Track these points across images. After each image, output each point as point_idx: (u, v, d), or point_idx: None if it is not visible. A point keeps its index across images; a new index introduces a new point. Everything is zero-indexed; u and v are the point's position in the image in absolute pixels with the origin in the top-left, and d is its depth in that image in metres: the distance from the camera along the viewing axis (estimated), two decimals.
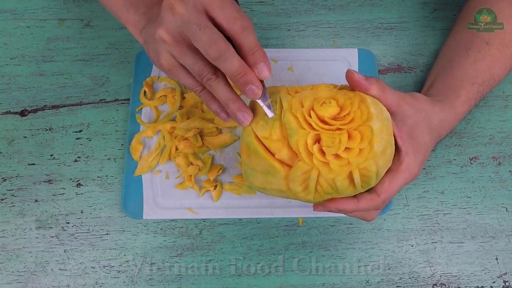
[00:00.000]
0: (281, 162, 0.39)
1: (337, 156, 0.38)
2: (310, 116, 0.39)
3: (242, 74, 0.37)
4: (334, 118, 0.39)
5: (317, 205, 0.42)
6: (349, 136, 0.38)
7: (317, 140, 0.38)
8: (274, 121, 0.40)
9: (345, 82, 0.42)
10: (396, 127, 0.42)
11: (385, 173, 0.41)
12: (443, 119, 0.47)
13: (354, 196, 0.41)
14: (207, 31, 0.36)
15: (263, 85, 0.39)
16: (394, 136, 0.41)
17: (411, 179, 0.42)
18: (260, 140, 0.40)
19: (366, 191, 0.41)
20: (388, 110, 0.42)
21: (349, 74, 0.41)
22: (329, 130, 0.38)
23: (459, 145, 0.55)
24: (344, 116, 0.39)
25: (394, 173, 0.41)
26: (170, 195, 0.51)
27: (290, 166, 0.39)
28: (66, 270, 0.49)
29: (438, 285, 0.49)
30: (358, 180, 0.38)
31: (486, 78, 0.50)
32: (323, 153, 0.38)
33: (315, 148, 0.38)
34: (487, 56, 0.50)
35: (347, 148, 0.38)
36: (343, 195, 0.40)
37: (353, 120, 0.39)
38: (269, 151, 0.40)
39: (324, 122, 0.39)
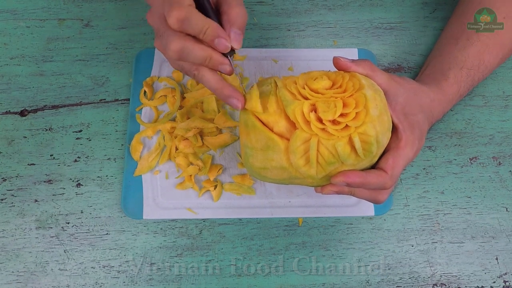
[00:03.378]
0: (280, 135, 0.40)
1: (334, 121, 0.38)
2: (304, 89, 0.40)
3: (208, 58, 0.39)
4: (327, 89, 0.40)
5: (324, 187, 0.42)
6: (344, 104, 0.39)
7: (313, 110, 0.39)
8: (270, 97, 0.40)
9: None
10: (390, 105, 0.42)
11: (387, 152, 0.42)
12: (433, 98, 0.47)
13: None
14: (164, 37, 0.39)
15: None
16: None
17: (413, 156, 0.43)
18: (256, 116, 0.41)
19: (372, 168, 0.41)
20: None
21: (335, 60, 0.42)
22: (323, 98, 0.39)
23: (459, 145, 0.55)
24: (337, 88, 0.40)
25: (396, 150, 0.42)
26: (170, 195, 0.51)
27: (288, 139, 0.40)
28: (66, 270, 0.49)
29: (438, 285, 0.49)
30: (359, 145, 0.38)
31: (475, 63, 0.50)
32: (320, 120, 0.38)
33: (312, 116, 0.38)
34: (476, 42, 0.51)
35: (343, 114, 0.38)
36: (346, 164, 0.39)
37: (346, 90, 0.39)
38: (266, 126, 0.40)
39: (317, 92, 0.40)
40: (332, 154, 0.39)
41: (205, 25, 0.38)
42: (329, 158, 0.39)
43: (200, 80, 0.41)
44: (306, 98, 0.39)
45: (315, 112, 0.39)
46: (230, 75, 0.41)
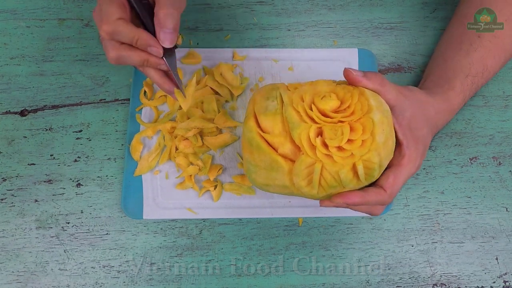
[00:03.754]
0: (284, 157, 0.40)
1: (340, 148, 0.38)
2: (311, 110, 0.39)
3: (143, 42, 0.42)
4: (335, 111, 0.39)
5: (324, 201, 0.42)
6: (351, 128, 0.38)
7: (319, 133, 0.39)
8: (275, 115, 0.40)
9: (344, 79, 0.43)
10: (396, 121, 0.42)
11: (389, 168, 0.42)
12: (438, 110, 0.47)
13: (360, 189, 0.41)
14: (103, 42, 0.43)
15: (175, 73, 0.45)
16: (394, 129, 0.42)
17: (414, 171, 0.43)
18: (262, 136, 0.40)
19: (371, 185, 0.41)
20: (388, 104, 0.42)
21: (346, 73, 0.42)
22: (330, 122, 0.39)
23: (459, 145, 0.55)
24: (345, 109, 0.39)
25: (397, 167, 0.41)
26: (170, 195, 0.51)
27: (293, 161, 0.39)
28: (66, 270, 0.49)
29: (438, 285, 0.49)
30: (362, 172, 0.38)
31: (479, 70, 0.50)
32: (326, 146, 0.38)
33: (317, 141, 0.38)
34: (479, 48, 0.50)
35: (349, 140, 0.38)
36: (347, 188, 0.40)
37: (354, 113, 0.39)
38: (271, 146, 0.40)
39: (325, 115, 0.39)
40: (335, 179, 0.39)
41: (134, 36, 0.41)
42: (331, 182, 0.39)
43: (146, 75, 0.46)
44: (313, 120, 0.39)
45: (321, 136, 0.38)
46: (168, 71, 0.45)
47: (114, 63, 0.43)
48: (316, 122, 0.39)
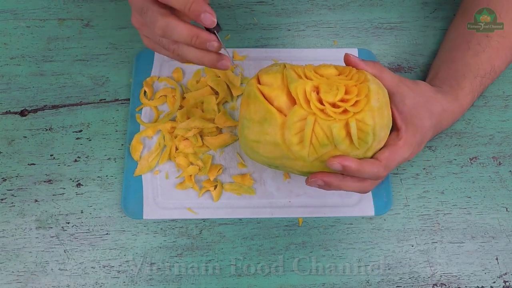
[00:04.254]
0: (279, 110, 0.40)
1: (334, 105, 0.39)
2: (311, 72, 0.41)
3: (195, 37, 0.39)
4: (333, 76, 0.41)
5: (313, 175, 0.41)
6: (346, 91, 0.39)
7: (316, 91, 0.40)
8: (276, 74, 0.41)
9: None
10: (396, 108, 0.43)
11: (384, 146, 0.42)
12: (446, 108, 0.47)
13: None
14: (148, 14, 0.39)
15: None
16: (392, 115, 0.43)
17: (408, 157, 0.43)
18: (259, 89, 0.41)
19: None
20: (388, 91, 0.43)
21: (346, 57, 0.43)
22: (327, 81, 0.40)
23: (459, 145, 0.55)
24: (344, 76, 0.41)
25: (393, 146, 0.42)
26: (170, 195, 0.51)
27: (286, 115, 0.40)
28: (66, 270, 0.49)
29: (438, 285, 0.49)
30: (354, 132, 0.38)
31: (487, 70, 0.50)
32: (320, 101, 0.39)
33: (313, 95, 0.39)
34: (487, 48, 0.50)
35: (344, 100, 0.39)
36: (339, 149, 0.39)
37: (351, 79, 0.40)
38: (268, 100, 0.41)
39: (323, 76, 0.41)
40: (327, 136, 0.39)
41: (189, 0, 0.38)
42: (323, 139, 0.39)
43: (179, 53, 0.42)
44: (311, 79, 0.40)
45: (317, 93, 0.39)
46: (218, 50, 0.41)
47: (160, 33, 0.40)
48: (312, 79, 0.40)
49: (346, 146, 0.39)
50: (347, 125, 0.38)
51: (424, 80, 0.55)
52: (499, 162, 0.54)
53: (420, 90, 0.45)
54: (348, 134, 0.39)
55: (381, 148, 0.42)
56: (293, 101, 0.40)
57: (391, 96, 0.43)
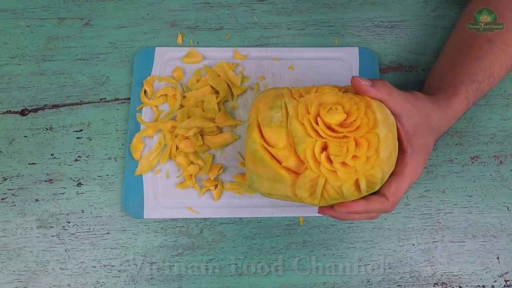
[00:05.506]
0: (288, 169, 0.40)
1: (344, 164, 0.38)
2: (317, 123, 0.39)
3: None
4: (341, 125, 0.39)
5: (323, 209, 0.43)
6: (356, 144, 0.38)
7: (324, 148, 0.39)
8: (280, 128, 0.40)
9: (348, 82, 0.42)
10: (402, 128, 0.42)
11: (391, 176, 0.41)
12: (441, 118, 0.47)
13: (362, 198, 0.41)
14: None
15: None
16: (398, 137, 0.42)
17: (416, 179, 0.43)
18: (266, 148, 0.40)
19: (373, 193, 0.42)
20: (394, 112, 0.42)
21: (355, 82, 0.41)
22: (336, 137, 0.38)
23: (461, 144, 0.55)
24: (351, 123, 0.39)
25: (400, 176, 0.41)
26: (171, 195, 0.51)
27: (296, 174, 0.40)
28: (67, 269, 0.49)
29: (439, 284, 0.49)
30: (364, 187, 0.39)
31: (486, 76, 0.50)
32: (330, 161, 0.38)
33: (322, 157, 0.38)
34: (488, 54, 0.50)
35: (354, 156, 0.38)
36: (348, 200, 0.40)
37: (360, 127, 0.39)
38: (275, 158, 0.40)
39: (331, 129, 0.39)
40: (337, 192, 0.39)
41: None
42: (333, 195, 0.40)
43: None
44: (318, 134, 0.39)
45: (326, 151, 0.38)
46: None
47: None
48: (321, 136, 0.38)
49: (355, 196, 0.40)
50: (356, 182, 0.39)
51: (423, 82, 0.55)
52: (500, 161, 0.54)
53: (421, 105, 0.45)
54: (357, 188, 0.39)
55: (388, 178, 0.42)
56: (301, 160, 0.39)
57: (397, 116, 0.42)
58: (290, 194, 0.41)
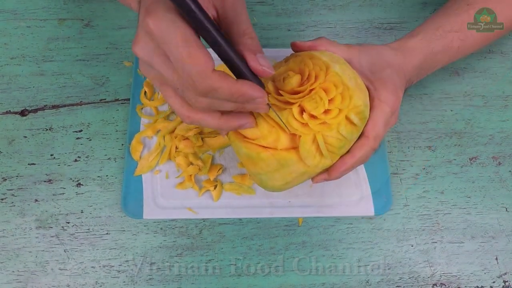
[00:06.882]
0: (286, 149, 0.40)
1: (326, 111, 0.39)
2: (281, 95, 0.40)
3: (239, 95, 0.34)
4: (301, 84, 0.40)
5: (316, 178, 0.43)
6: (324, 90, 0.39)
7: (303, 110, 0.39)
8: (257, 119, 0.40)
9: None
10: (356, 70, 0.43)
11: None
12: (397, 54, 0.46)
13: (348, 151, 0.42)
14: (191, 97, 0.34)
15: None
16: None
17: (392, 111, 0.43)
18: (255, 144, 0.40)
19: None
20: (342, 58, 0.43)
21: (296, 45, 0.44)
22: (304, 96, 0.39)
23: (459, 145, 0.55)
24: (308, 77, 0.40)
25: (371, 111, 0.42)
26: (170, 195, 0.51)
27: (295, 148, 0.40)
28: (66, 269, 0.49)
29: (438, 285, 0.49)
30: (356, 119, 0.40)
31: (455, 28, 0.49)
32: (314, 116, 0.39)
33: (305, 117, 0.39)
34: (462, 13, 0.50)
35: (330, 101, 0.39)
36: (352, 140, 0.41)
37: (317, 76, 0.40)
38: (269, 148, 0.40)
39: (295, 93, 0.40)
40: (339, 139, 0.40)
41: (234, 94, 0.33)
42: (338, 143, 0.40)
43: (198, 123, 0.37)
44: (289, 103, 0.39)
45: (305, 111, 0.39)
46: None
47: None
48: (292, 103, 0.39)
49: (356, 132, 0.41)
50: (348, 119, 0.40)
51: (423, 84, 0.55)
52: (499, 162, 0.54)
53: (368, 46, 0.46)
54: (351, 122, 0.40)
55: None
56: (292, 133, 0.39)
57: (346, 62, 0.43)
58: (303, 169, 0.40)
